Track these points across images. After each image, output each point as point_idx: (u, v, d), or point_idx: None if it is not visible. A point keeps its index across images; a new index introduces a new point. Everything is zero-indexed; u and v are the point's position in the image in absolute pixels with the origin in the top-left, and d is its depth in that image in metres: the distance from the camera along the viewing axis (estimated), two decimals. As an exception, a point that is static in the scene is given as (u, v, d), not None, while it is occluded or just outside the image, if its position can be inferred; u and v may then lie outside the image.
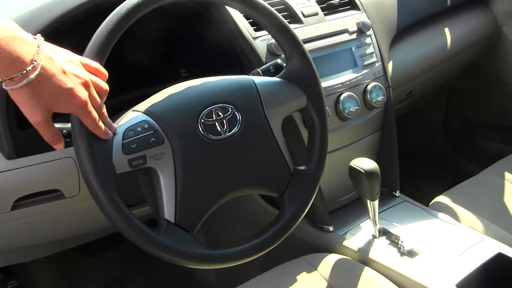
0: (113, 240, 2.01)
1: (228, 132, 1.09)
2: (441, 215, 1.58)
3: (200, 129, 1.06)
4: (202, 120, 1.07)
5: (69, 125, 1.00)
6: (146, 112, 1.04)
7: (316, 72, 1.22)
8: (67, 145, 1.14)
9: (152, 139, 1.02)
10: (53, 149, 1.14)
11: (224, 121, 1.09)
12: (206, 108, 1.08)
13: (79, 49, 0.97)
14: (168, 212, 1.03)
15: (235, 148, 1.09)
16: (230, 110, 1.10)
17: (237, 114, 1.10)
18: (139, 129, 1.01)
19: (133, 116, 1.04)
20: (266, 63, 1.37)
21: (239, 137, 1.10)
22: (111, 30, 0.99)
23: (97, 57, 0.97)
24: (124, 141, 1.00)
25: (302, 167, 1.20)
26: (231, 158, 1.09)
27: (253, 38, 1.45)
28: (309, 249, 1.48)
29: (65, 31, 1.20)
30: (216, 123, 1.08)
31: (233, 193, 1.11)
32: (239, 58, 1.47)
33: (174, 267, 2.01)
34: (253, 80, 1.17)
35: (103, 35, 0.99)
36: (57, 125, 1.00)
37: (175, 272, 2.08)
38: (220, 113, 1.08)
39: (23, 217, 1.26)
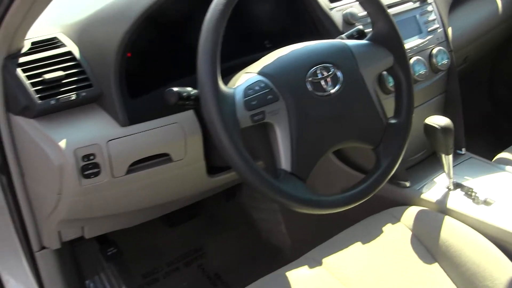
0: (192, 212, 2.14)
1: (332, 89, 1.20)
2: (508, 167, 1.67)
3: (309, 87, 1.18)
4: (310, 79, 1.19)
5: (188, 89, 1.12)
6: (260, 73, 1.16)
7: (400, 34, 1.34)
8: (184, 108, 1.26)
9: (269, 96, 1.14)
10: (161, 116, 1.26)
11: (328, 79, 1.20)
12: (312, 68, 1.20)
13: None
14: (285, 162, 1.15)
15: (338, 103, 1.21)
16: (332, 70, 1.22)
17: (338, 73, 1.22)
18: (257, 88, 1.14)
19: (249, 77, 1.16)
20: (342, 32, 1.49)
21: (341, 94, 1.21)
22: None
23: (217, 25, 1.09)
24: (245, 98, 1.12)
25: (393, 121, 1.31)
26: (335, 113, 1.21)
27: (329, 9, 1.56)
28: (388, 205, 1.56)
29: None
30: (322, 81, 1.20)
31: (337, 145, 1.23)
32: (316, 28, 1.58)
33: (249, 236, 2.13)
34: (346, 43, 1.29)
35: (222, 3, 1.10)
36: (175, 89, 1.12)
37: (250, 240, 2.20)
38: (324, 72, 1.20)
39: (136, 181, 1.38)
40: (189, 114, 1.39)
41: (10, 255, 1.63)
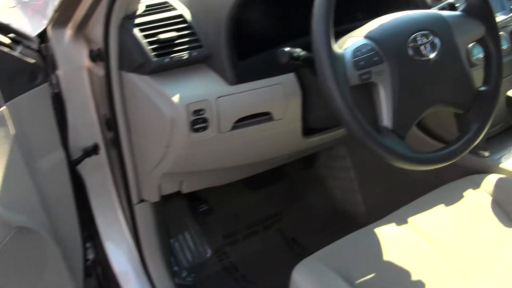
0: (274, 177, 2.23)
1: (431, 55, 1.28)
2: None
3: (410, 52, 1.27)
4: (411, 44, 1.27)
5: (297, 50, 1.21)
6: (366, 37, 1.26)
7: (492, 6, 1.40)
8: (293, 67, 1.35)
9: (375, 58, 1.23)
10: (266, 77, 1.35)
11: (427, 45, 1.28)
12: (412, 34, 1.28)
13: None
14: (387, 119, 1.24)
15: (435, 68, 1.29)
16: (430, 37, 1.30)
17: (435, 40, 1.30)
18: (364, 50, 1.23)
19: (356, 40, 1.25)
20: (431, 6, 1.57)
21: (439, 59, 1.29)
22: None
23: None
24: (354, 59, 1.21)
25: (483, 88, 1.38)
26: (433, 77, 1.29)
27: None
28: (467, 174, 1.62)
29: None
30: (422, 47, 1.28)
31: (433, 107, 1.31)
32: (407, 2, 1.64)
33: (325, 204, 2.21)
34: (441, 14, 1.37)
35: None
36: (287, 49, 1.22)
37: (326, 208, 2.28)
38: (423, 39, 1.29)
39: (238, 137, 1.47)
40: (291, 77, 1.47)
41: (107, 208, 1.75)
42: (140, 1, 1.44)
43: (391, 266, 1.32)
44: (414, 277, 1.29)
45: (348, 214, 2.22)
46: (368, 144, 1.20)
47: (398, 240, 1.37)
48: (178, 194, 1.75)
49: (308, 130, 1.58)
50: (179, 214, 2.08)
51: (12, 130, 1.32)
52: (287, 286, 1.76)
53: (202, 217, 2.10)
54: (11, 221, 1.30)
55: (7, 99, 1.33)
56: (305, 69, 1.40)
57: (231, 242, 2.16)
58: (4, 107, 1.32)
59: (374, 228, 1.41)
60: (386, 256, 1.33)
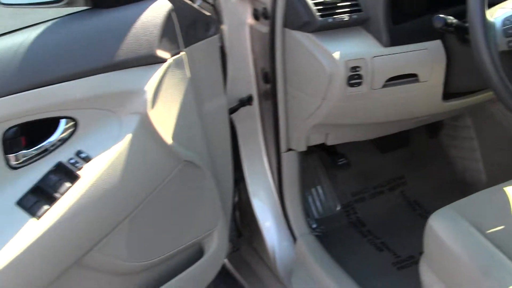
0: (401, 142, 2.37)
1: None
2: None
3: None
4: None
5: (451, 17, 1.36)
6: None
7: None
8: (445, 32, 1.49)
9: None
10: (416, 42, 1.50)
11: None
12: None
13: None
14: None
15: None
16: None
17: None
18: None
19: (506, 11, 1.39)
20: None
21: None
22: None
23: None
24: (504, 27, 1.35)
25: None
26: None
27: None
28: None
29: None
30: None
31: None
32: None
33: (446, 172, 2.33)
34: None
35: None
36: (442, 16, 1.36)
37: (447, 176, 2.40)
38: None
39: (387, 95, 1.63)
40: (438, 43, 1.61)
41: (254, 155, 1.94)
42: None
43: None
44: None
45: (469, 183, 2.33)
46: (507, 103, 1.33)
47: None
48: (319, 147, 1.92)
49: (447, 94, 1.72)
50: (316, 167, 2.26)
51: (188, 73, 1.52)
52: (411, 242, 1.90)
53: (336, 172, 2.27)
54: (182, 155, 1.49)
55: (186, 44, 1.52)
56: (452, 36, 1.53)
57: (359, 199, 2.32)
58: (183, 52, 1.51)
59: (504, 187, 1.53)
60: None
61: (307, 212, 2.14)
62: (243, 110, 1.86)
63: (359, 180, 2.35)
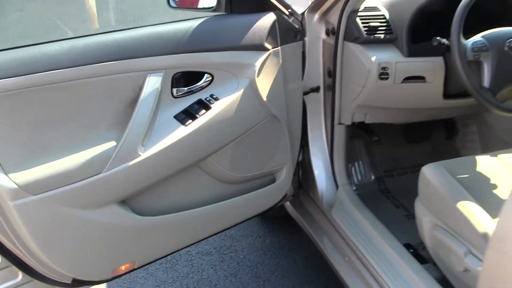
0: (425, 137, 3.26)
1: None
2: None
3: (506, 48, 2.27)
4: (507, 44, 2.26)
5: (444, 39, 2.27)
6: (482, 36, 2.27)
7: None
8: (439, 49, 2.38)
9: (484, 47, 2.25)
10: (426, 56, 2.39)
11: None
12: (509, 38, 2.29)
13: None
14: (486, 82, 2.25)
15: None
16: None
17: None
18: (479, 43, 2.26)
19: (476, 38, 2.27)
20: None
21: None
22: None
23: (463, 11, 2.22)
24: (472, 46, 2.25)
25: None
26: None
27: None
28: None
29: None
30: None
31: None
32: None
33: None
34: None
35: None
36: (437, 38, 2.29)
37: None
38: None
39: (404, 88, 2.49)
40: (440, 58, 2.50)
41: (316, 127, 2.84)
42: (362, 3, 2.55)
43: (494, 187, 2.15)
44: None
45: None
46: (474, 94, 2.22)
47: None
48: (362, 129, 2.83)
49: (447, 95, 2.61)
50: (355, 146, 3.17)
51: (280, 61, 2.45)
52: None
53: (372, 151, 3.17)
54: (271, 110, 2.40)
55: (282, 43, 2.43)
56: (449, 55, 2.43)
57: (388, 175, 3.20)
58: (279, 47, 2.44)
59: (478, 156, 2.38)
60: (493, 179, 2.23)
61: (350, 179, 3.03)
62: (312, 95, 2.75)
63: (389, 162, 3.24)
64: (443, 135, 3.32)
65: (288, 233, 3.49)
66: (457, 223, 2.01)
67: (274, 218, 3.58)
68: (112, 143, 1.99)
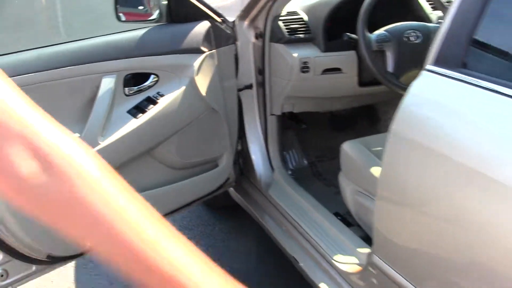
0: (349, 125, 3.70)
1: (416, 41, 2.74)
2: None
3: (404, 38, 2.73)
4: (405, 35, 2.73)
5: (353, 35, 2.71)
6: (385, 30, 2.74)
7: None
8: (351, 43, 2.82)
9: (386, 39, 2.71)
10: (340, 50, 2.83)
11: (414, 36, 2.73)
12: (407, 30, 2.75)
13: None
14: (390, 68, 2.70)
15: (415, 48, 2.73)
16: (416, 33, 2.75)
17: (418, 34, 2.76)
18: (382, 35, 2.73)
19: (380, 31, 2.72)
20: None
21: (419, 43, 2.73)
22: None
23: (366, 12, 2.66)
24: (376, 38, 2.71)
25: None
26: (413, 53, 2.72)
27: None
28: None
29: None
30: (410, 37, 2.72)
31: (414, 68, 2.74)
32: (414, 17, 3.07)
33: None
34: (425, 24, 2.81)
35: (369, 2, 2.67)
36: (347, 34, 2.71)
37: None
38: (411, 33, 2.73)
39: (324, 80, 2.93)
40: (352, 52, 2.93)
41: (251, 119, 3.21)
42: (283, 9, 2.97)
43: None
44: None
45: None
46: (379, 78, 2.65)
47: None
48: (291, 119, 3.25)
49: (362, 83, 3.03)
50: (289, 131, 3.58)
51: (216, 62, 2.84)
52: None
53: (303, 138, 3.59)
54: (209, 104, 2.78)
55: (216, 47, 2.83)
56: (360, 48, 2.86)
57: (320, 160, 3.62)
58: (214, 50, 2.83)
59: None
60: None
61: (285, 164, 3.44)
62: (246, 91, 3.11)
63: (320, 149, 3.66)
64: (366, 123, 3.76)
65: (236, 220, 3.86)
66: (373, 186, 2.38)
67: (223, 208, 3.94)
68: (77, 135, 2.33)
